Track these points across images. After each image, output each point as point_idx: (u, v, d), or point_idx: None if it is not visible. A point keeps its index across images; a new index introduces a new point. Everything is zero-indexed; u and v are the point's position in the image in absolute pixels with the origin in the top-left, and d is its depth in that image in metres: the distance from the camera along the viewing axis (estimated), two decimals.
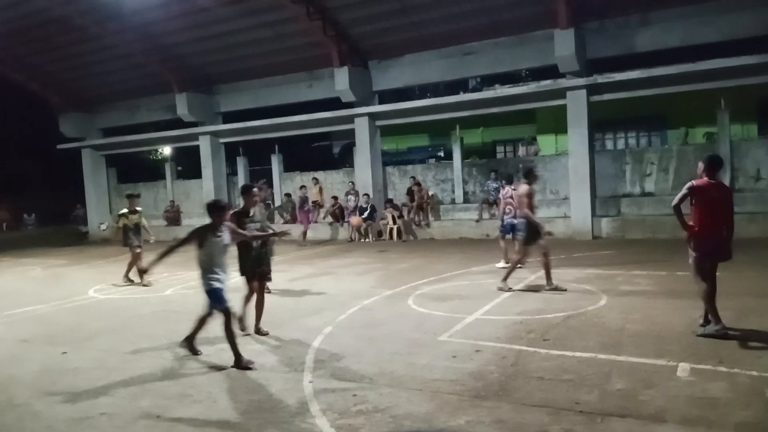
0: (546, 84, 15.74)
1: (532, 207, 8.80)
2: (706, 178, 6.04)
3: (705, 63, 13.44)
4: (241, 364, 5.73)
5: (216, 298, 5.88)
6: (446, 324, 6.95)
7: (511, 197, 10.63)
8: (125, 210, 11.63)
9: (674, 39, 14.02)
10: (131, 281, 11.55)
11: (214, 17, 16.91)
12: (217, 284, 5.90)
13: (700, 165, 6.16)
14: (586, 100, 14.80)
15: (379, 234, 17.45)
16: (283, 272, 11.86)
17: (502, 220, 11.09)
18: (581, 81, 14.73)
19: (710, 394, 4.45)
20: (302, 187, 18.51)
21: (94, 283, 11.88)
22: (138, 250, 11.47)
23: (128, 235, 11.51)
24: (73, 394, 5.27)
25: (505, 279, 8.83)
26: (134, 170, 25.69)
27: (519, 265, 9.05)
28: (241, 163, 21.46)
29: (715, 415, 4.08)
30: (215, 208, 6.11)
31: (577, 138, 15.05)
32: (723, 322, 5.85)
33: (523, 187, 8.89)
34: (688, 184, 6.07)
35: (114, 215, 11.50)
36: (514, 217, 10.27)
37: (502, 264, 10.93)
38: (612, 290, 8.36)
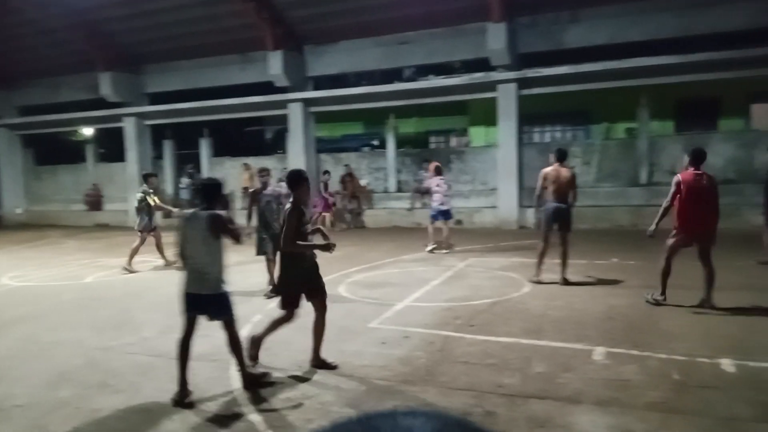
0: (478, 76, 16.02)
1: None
2: (691, 170, 6.55)
3: (628, 61, 14.05)
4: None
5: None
6: (376, 311, 7.02)
7: (438, 185, 11.44)
8: (150, 189, 10.85)
9: (601, 37, 14.57)
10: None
11: None
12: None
13: (685, 158, 6.79)
14: (515, 94, 15.17)
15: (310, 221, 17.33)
16: None
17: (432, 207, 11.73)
18: (512, 74, 15.09)
19: (623, 377, 4.71)
20: (326, 172, 17.09)
21: (9, 269, 11.24)
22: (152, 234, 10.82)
23: (151, 217, 10.79)
24: None
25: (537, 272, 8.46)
26: (53, 152, 24.31)
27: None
28: (167, 147, 20.76)
29: (627, 396, 4.32)
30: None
31: (506, 130, 15.43)
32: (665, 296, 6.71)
33: (565, 171, 8.15)
34: (675, 179, 6.63)
35: (139, 195, 10.80)
36: (442, 204, 11.41)
37: (429, 248, 11.49)
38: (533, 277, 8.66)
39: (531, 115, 17.68)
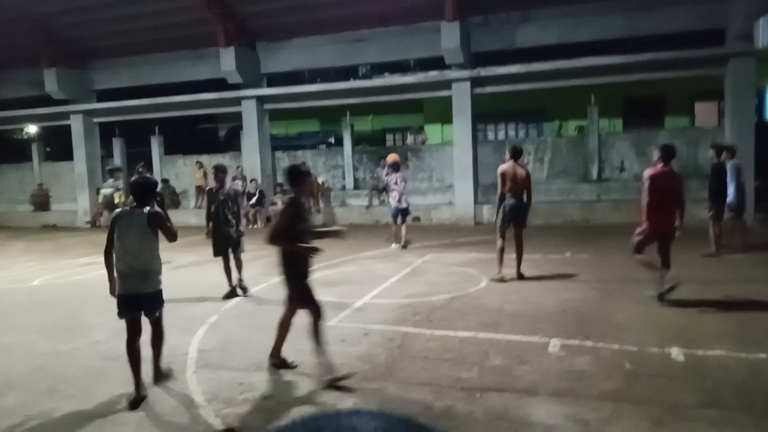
0: (433, 75, 16.16)
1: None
2: (660, 166, 6.67)
3: (578, 61, 14.41)
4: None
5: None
6: (335, 309, 6.99)
7: (396, 183, 11.59)
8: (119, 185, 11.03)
9: (552, 37, 14.89)
10: None
11: None
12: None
13: (656, 153, 6.84)
14: (470, 92, 15.36)
15: (268, 220, 17.17)
16: (165, 261, 11.37)
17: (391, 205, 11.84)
18: (466, 73, 15.27)
19: (577, 368, 4.83)
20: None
21: None
22: None
23: None
24: None
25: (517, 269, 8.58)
26: None
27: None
28: (117, 145, 20.21)
29: (581, 387, 4.44)
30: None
31: (461, 128, 15.61)
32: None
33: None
34: (645, 174, 6.71)
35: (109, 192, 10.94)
36: (400, 201, 11.57)
37: (394, 246, 11.68)
38: (492, 273, 8.78)
39: (485, 113, 17.94)
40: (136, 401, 4.41)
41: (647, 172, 6.74)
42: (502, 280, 8.17)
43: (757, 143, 13.06)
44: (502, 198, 8.13)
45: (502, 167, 8.17)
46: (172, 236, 4.78)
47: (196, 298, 7.94)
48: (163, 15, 16.55)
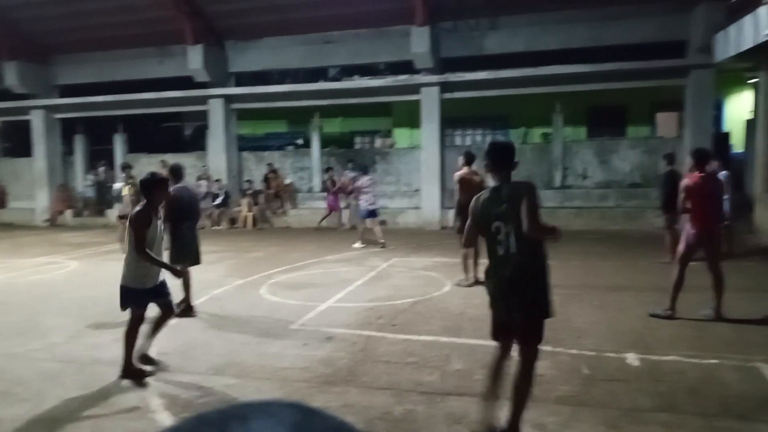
0: (402, 79, 16.22)
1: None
2: (697, 173, 6.43)
3: (544, 69, 14.64)
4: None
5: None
6: (299, 312, 6.97)
7: (368, 186, 11.85)
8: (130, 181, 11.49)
9: (519, 44, 15.10)
10: None
11: None
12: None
13: (688, 160, 6.73)
14: (438, 97, 15.48)
15: (233, 222, 17.00)
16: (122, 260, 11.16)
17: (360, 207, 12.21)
18: (434, 78, 15.38)
19: (537, 372, 4.89)
20: (329, 169, 16.64)
21: None
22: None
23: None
24: None
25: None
26: None
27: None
28: (79, 142, 19.74)
29: (540, 391, 4.50)
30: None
31: (429, 133, 15.71)
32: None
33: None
34: (684, 183, 6.46)
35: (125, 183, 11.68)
36: (372, 203, 11.84)
37: (358, 245, 12.01)
38: (456, 277, 8.85)
39: (453, 118, 18.07)
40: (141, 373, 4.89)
41: (686, 180, 6.48)
42: (470, 285, 8.09)
43: (715, 152, 13.45)
44: (462, 204, 8.12)
45: (459, 173, 8.29)
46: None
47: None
48: (129, 11, 16.26)
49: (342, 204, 16.31)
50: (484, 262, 8.20)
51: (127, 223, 4.99)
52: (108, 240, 14.18)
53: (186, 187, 7.31)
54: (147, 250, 4.85)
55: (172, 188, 7.35)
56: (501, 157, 3.84)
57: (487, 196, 3.77)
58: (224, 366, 5.14)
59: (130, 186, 11.39)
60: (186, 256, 6.87)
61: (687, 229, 6.46)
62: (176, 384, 4.80)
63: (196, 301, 7.50)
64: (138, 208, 5.03)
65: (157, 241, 5.05)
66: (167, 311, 5.16)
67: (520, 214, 3.57)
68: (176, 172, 7.29)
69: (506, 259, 3.65)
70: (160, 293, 5.08)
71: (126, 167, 12.47)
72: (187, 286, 6.92)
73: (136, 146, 19.78)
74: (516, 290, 3.68)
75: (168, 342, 5.91)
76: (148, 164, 19.03)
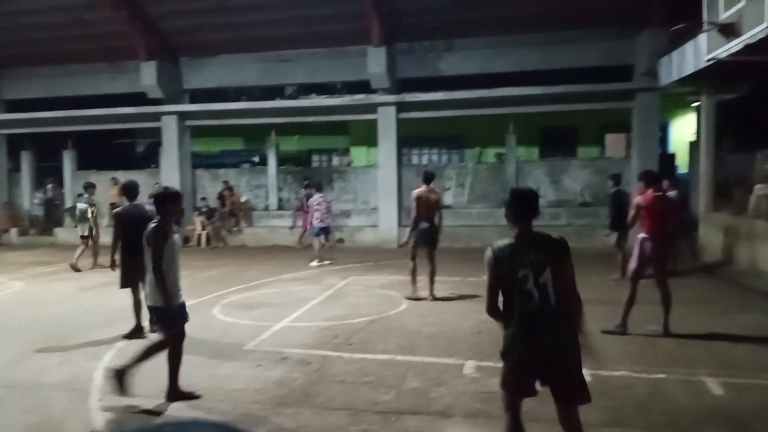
0: (359, 98, 16.32)
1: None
2: (650, 191, 6.68)
3: (497, 90, 14.98)
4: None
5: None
6: (253, 333, 6.86)
7: (319, 204, 12.11)
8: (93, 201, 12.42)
9: (473, 66, 15.41)
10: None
11: None
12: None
13: (640, 183, 6.98)
14: (395, 117, 15.63)
15: (186, 240, 16.66)
16: (71, 281, 10.82)
17: (312, 225, 12.37)
18: (391, 98, 15.53)
19: (491, 389, 4.92)
20: (307, 186, 15.56)
21: None
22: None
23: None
24: None
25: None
26: None
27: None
28: (26, 159, 19.11)
29: (494, 408, 4.52)
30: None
31: (386, 152, 15.81)
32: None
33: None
34: (636, 201, 6.77)
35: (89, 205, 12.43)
36: (322, 221, 12.11)
37: (315, 263, 12.09)
38: (410, 295, 8.87)
39: (410, 138, 18.25)
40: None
41: (638, 199, 6.75)
42: (417, 299, 8.44)
43: (661, 173, 13.94)
44: (417, 221, 8.47)
45: (416, 192, 8.53)
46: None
47: (105, 321, 7.56)
48: (80, 26, 15.89)
49: (299, 223, 16.20)
50: (446, 280, 8.31)
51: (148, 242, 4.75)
52: (55, 260, 13.71)
53: (137, 205, 7.08)
54: (163, 268, 4.64)
55: (121, 207, 7.24)
56: (526, 206, 3.47)
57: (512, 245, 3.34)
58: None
59: (95, 209, 12.16)
60: (136, 276, 6.62)
61: (641, 246, 6.65)
62: (123, 408, 4.64)
63: (146, 322, 7.29)
64: (153, 224, 4.77)
65: (176, 258, 4.84)
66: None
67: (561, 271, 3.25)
68: (129, 190, 7.09)
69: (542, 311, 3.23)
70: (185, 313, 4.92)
71: (89, 186, 12.52)
72: (137, 307, 6.71)
73: (86, 163, 19.26)
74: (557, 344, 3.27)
75: (115, 365, 5.71)
76: (98, 181, 18.55)
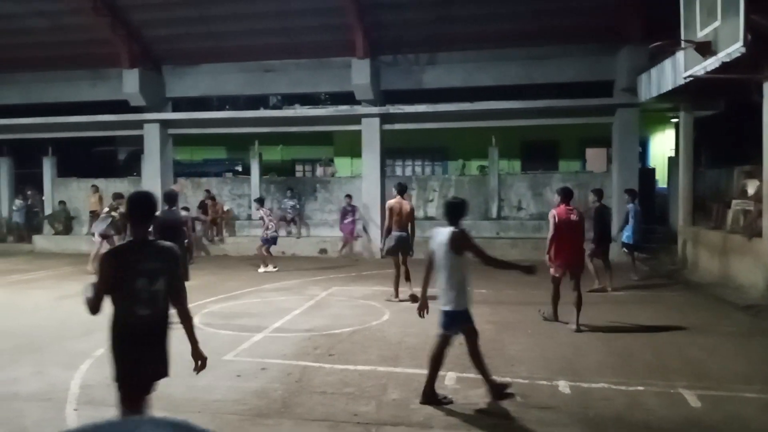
0: (343, 109, 16.36)
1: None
2: (563, 206, 7.39)
3: (480, 104, 15.11)
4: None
5: None
6: (233, 343, 6.80)
7: (269, 215, 13.15)
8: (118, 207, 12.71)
9: (456, 80, 15.53)
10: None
11: None
12: None
13: (555, 196, 7.80)
14: (379, 128, 15.67)
15: None
16: (49, 289, 10.66)
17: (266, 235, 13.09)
18: (375, 110, 15.59)
19: (471, 400, 4.95)
20: (348, 195, 15.71)
21: None
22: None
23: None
24: None
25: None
26: None
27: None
28: (4, 165, 18.85)
29: (473, 419, 4.55)
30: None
31: (370, 162, 15.84)
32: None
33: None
34: (551, 214, 7.50)
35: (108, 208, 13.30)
36: (274, 231, 13.09)
37: (262, 269, 12.77)
38: (394, 306, 8.88)
39: (394, 149, 18.34)
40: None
41: (552, 212, 7.41)
42: (400, 301, 8.89)
43: (641, 187, 14.16)
44: (389, 230, 8.95)
45: (390, 202, 9.01)
46: None
47: (82, 331, 7.44)
48: (59, 32, 15.73)
49: (283, 232, 16.12)
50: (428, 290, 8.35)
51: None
52: (33, 267, 13.50)
53: (173, 210, 8.07)
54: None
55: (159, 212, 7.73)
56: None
57: None
58: (151, 399, 4.93)
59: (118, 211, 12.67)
60: None
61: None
62: (99, 417, 4.55)
63: None
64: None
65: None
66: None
67: None
68: (168, 198, 8.22)
69: None
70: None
71: (118, 197, 13.19)
72: None
73: (66, 170, 19.05)
74: None
75: (92, 374, 5.64)
76: (78, 189, 18.38)
